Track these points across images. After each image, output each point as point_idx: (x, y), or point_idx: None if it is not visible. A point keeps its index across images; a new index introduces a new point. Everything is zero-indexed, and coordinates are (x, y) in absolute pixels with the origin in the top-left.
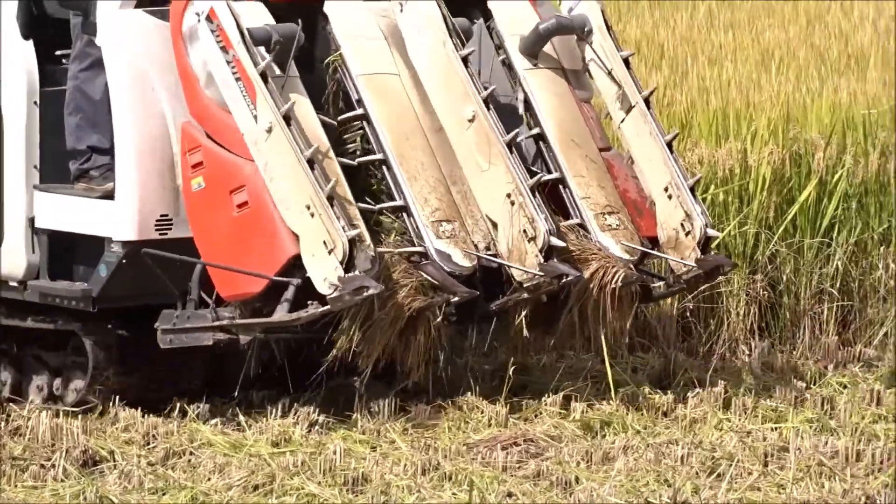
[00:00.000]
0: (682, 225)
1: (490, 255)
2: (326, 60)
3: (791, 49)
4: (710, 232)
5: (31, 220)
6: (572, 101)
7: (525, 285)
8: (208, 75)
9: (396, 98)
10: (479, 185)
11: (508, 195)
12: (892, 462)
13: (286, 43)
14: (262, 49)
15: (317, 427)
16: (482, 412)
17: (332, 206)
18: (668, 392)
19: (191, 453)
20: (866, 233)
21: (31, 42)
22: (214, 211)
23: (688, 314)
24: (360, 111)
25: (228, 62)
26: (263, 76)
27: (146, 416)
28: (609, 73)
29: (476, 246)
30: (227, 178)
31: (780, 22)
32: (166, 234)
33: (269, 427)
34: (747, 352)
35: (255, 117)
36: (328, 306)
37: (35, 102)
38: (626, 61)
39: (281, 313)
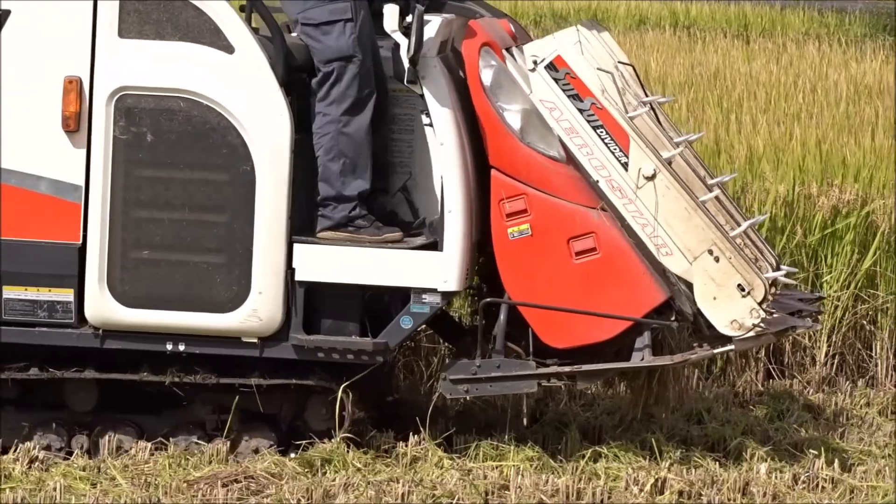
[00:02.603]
0: None
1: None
2: None
3: None
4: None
5: (290, 274)
6: None
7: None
8: (527, 123)
9: None
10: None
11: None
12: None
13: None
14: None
15: (37, 463)
16: (203, 450)
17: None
18: (390, 430)
19: None
20: None
21: (283, 89)
22: (544, 258)
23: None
24: None
25: (582, 110)
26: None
27: None
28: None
29: None
30: (565, 225)
31: None
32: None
33: None
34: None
35: (625, 164)
36: (729, 347)
37: (292, 150)
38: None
39: (645, 357)
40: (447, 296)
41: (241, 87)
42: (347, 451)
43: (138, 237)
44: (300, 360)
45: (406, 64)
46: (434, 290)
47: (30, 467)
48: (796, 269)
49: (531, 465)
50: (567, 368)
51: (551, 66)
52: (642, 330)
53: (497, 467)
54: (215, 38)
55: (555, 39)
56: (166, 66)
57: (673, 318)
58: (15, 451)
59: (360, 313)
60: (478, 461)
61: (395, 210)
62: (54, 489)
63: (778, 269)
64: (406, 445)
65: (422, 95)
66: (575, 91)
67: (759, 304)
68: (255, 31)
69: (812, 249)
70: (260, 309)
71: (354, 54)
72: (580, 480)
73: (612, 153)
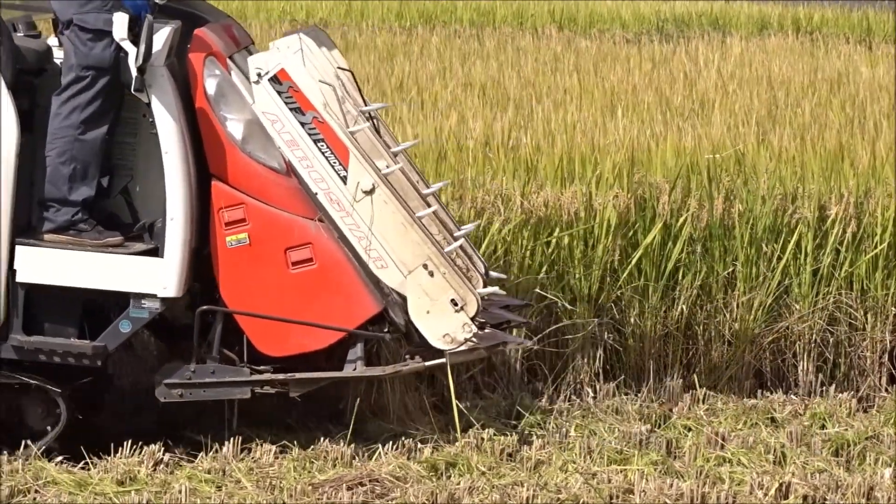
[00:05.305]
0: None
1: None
2: None
3: (636, 93)
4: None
5: (11, 275)
6: None
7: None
8: (250, 133)
9: None
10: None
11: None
12: None
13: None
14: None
15: (162, 465)
16: (327, 452)
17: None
18: (514, 433)
19: (36, 491)
20: (711, 276)
21: (10, 91)
22: (261, 267)
23: (532, 356)
24: None
25: (304, 123)
26: (354, 136)
27: None
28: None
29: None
30: (282, 235)
31: (625, 66)
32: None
33: (114, 465)
34: (592, 394)
35: (344, 178)
36: (441, 360)
37: (18, 153)
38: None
39: (357, 367)
40: (166, 301)
41: None
42: (472, 455)
43: None
44: (18, 359)
45: (133, 72)
46: (154, 296)
47: (154, 469)
48: (505, 277)
49: (655, 469)
50: (280, 376)
51: (275, 80)
52: (356, 341)
53: (621, 471)
54: None
55: (279, 52)
56: None
57: (386, 330)
58: (140, 453)
59: (80, 316)
60: (602, 465)
61: (115, 212)
62: (179, 492)
63: (487, 273)
64: (530, 449)
65: (148, 104)
66: (297, 104)
67: (472, 318)
68: None
69: None
70: None
71: (111, 68)
72: (704, 484)
73: (332, 167)
